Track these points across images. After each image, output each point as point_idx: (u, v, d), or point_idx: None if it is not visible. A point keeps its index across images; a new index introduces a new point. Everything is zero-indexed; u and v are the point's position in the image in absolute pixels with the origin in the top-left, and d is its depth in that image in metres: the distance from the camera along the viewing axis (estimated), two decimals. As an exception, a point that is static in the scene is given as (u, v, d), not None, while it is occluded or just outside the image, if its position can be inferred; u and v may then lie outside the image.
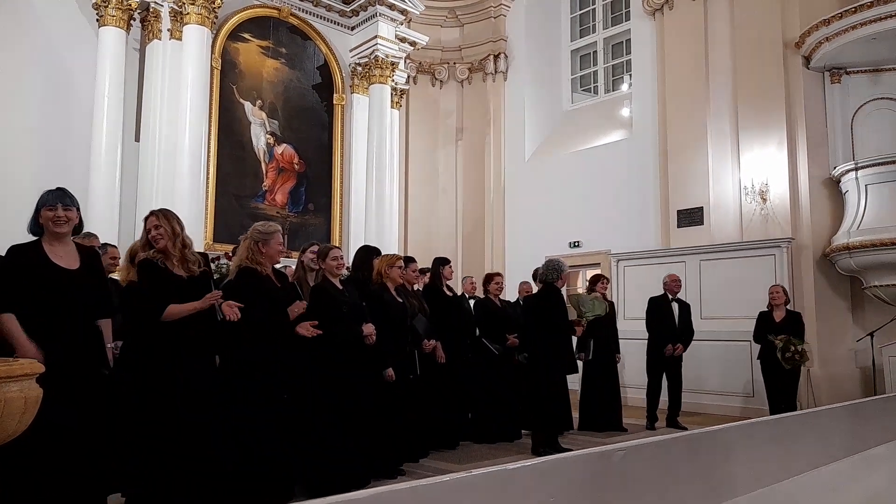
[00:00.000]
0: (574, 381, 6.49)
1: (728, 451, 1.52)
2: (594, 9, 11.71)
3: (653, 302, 6.94)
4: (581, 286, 10.46)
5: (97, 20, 7.73)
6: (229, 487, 3.47)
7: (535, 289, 6.20)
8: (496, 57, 11.91)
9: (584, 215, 10.45)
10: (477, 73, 12.10)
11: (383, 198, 9.52)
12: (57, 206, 3.01)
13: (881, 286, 7.46)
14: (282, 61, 9.14)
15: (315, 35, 9.52)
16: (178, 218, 3.49)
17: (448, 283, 5.93)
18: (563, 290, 9.19)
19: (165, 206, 3.75)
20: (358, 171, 9.68)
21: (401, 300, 4.80)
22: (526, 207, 11.35)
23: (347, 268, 5.20)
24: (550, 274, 5.37)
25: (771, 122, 8.29)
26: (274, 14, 9.06)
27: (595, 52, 11.67)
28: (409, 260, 5.49)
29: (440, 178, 12.13)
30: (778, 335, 6.24)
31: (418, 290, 5.71)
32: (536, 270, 6.02)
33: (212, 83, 8.20)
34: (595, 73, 11.67)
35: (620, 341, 7.01)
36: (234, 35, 8.69)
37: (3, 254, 3.09)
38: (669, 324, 6.75)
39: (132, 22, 7.94)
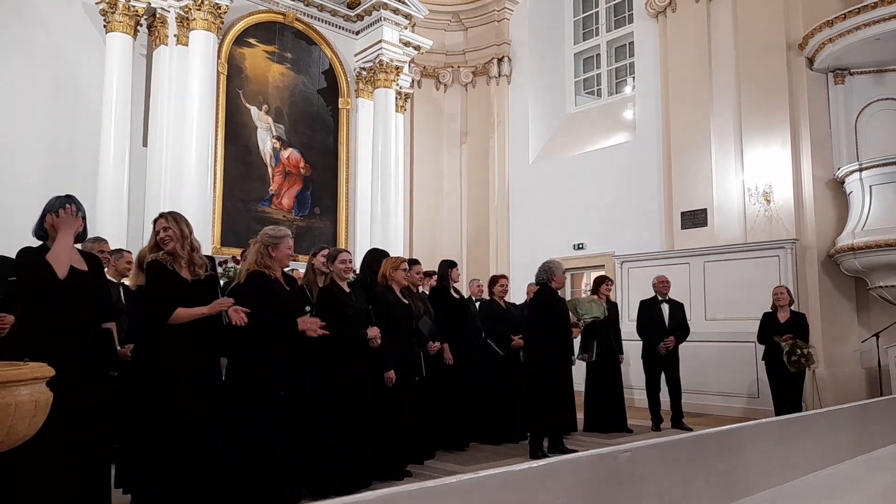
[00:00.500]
0: (578, 383, 6.51)
1: (734, 452, 1.54)
2: (597, 12, 11.73)
3: (642, 305, 6.98)
4: (585, 288, 10.47)
5: (104, 26, 7.79)
6: (236, 489, 3.50)
7: None
8: (500, 60, 11.95)
9: (587, 217, 10.46)
10: (481, 76, 12.14)
11: (388, 201, 9.56)
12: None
13: (886, 287, 7.46)
14: (287, 66, 9.19)
15: (320, 40, 9.57)
16: (186, 220, 3.53)
17: (455, 285, 5.95)
18: (567, 293, 9.19)
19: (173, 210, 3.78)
20: (363, 174, 9.72)
21: (406, 302, 4.83)
22: (530, 210, 11.37)
23: (354, 271, 5.24)
24: (542, 275, 5.41)
25: (775, 123, 8.30)
26: (279, 19, 9.12)
27: (598, 54, 11.69)
28: (413, 262, 5.52)
29: (445, 182, 12.16)
30: (783, 336, 6.24)
31: (424, 292, 5.74)
32: None
33: (218, 88, 8.25)
34: (598, 75, 11.69)
35: (625, 343, 7.03)
36: (240, 40, 8.74)
37: (13, 257, 3.13)
38: (659, 325, 6.77)
39: (139, 28, 8.01)
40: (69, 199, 3.13)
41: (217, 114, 8.21)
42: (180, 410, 3.28)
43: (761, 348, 6.64)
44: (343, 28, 9.89)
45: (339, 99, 9.72)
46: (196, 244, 3.52)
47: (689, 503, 1.38)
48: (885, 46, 7.66)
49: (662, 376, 6.77)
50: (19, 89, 7.42)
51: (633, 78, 10.78)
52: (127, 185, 7.58)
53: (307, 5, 9.38)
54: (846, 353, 7.89)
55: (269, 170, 8.90)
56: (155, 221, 3.50)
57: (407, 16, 9.91)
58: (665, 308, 6.86)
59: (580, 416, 6.62)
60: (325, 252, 4.57)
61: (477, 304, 6.32)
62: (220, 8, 7.95)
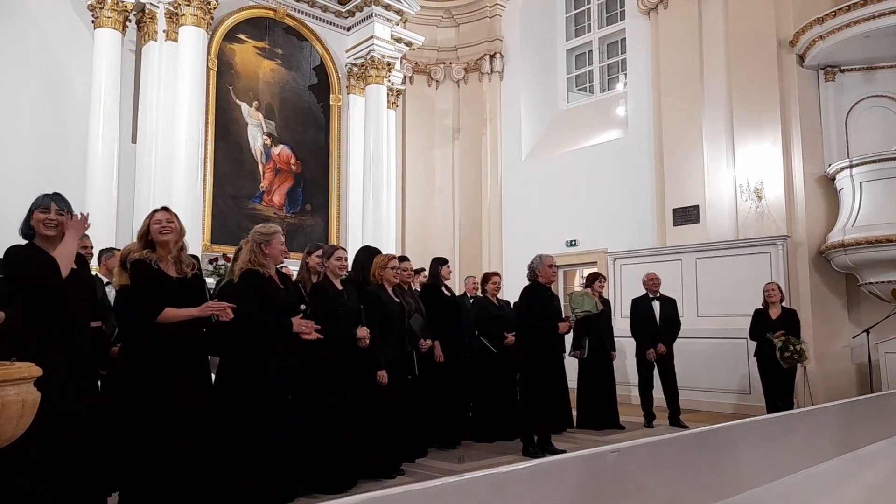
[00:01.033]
0: (571, 380, 6.52)
1: (722, 451, 1.54)
2: (589, 8, 11.73)
3: (634, 303, 7.00)
4: (578, 285, 10.49)
5: (92, 22, 7.72)
6: (228, 488, 3.49)
7: None
8: (492, 57, 11.93)
9: (580, 214, 10.47)
10: (473, 72, 12.11)
11: (380, 198, 9.53)
12: (50, 208, 3.03)
13: (876, 283, 7.50)
14: (278, 62, 9.14)
15: (311, 36, 9.52)
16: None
17: (446, 282, 5.95)
18: (560, 289, 9.19)
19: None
20: (355, 171, 9.68)
21: (398, 300, 4.83)
22: (522, 207, 11.37)
23: (347, 269, 5.22)
24: (529, 272, 5.43)
25: (766, 120, 8.32)
26: (270, 15, 9.06)
27: (590, 51, 11.69)
28: (401, 259, 5.51)
29: (437, 178, 12.14)
30: (774, 332, 6.27)
31: (415, 290, 5.74)
32: None
33: (208, 84, 8.20)
34: (590, 72, 11.69)
35: (617, 339, 7.05)
36: (230, 36, 8.69)
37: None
38: (650, 323, 6.79)
39: (128, 24, 7.94)
40: (56, 196, 3.11)
41: (207, 110, 8.16)
42: (169, 410, 3.26)
43: (753, 345, 6.67)
44: (334, 24, 9.84)
45: (331, 95, 9.68)
46: (184, 244, 3.50)
47: (678, 502, 1.38)
48: (875, 44, 7.69)
49: (656, 373, 6.80)
50: (7, 86, 7.35)
51: (625, 75, 10.79)
52: (116, 182, 7.52)
53: (298, 1, 9.34)
54: (837, 349, 7.94)
55: (260, 167, 8.86)
56: (154, 213, 3.45)
57: (398, 12, 9.87)
58: (656, 305, 6.87)
59: (573, 412, 6.63)
60: (321, 251, 4.56)
61: (471, 302, 6.31)
62: (209, 3, 7.90)
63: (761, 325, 6.46)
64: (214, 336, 3.62)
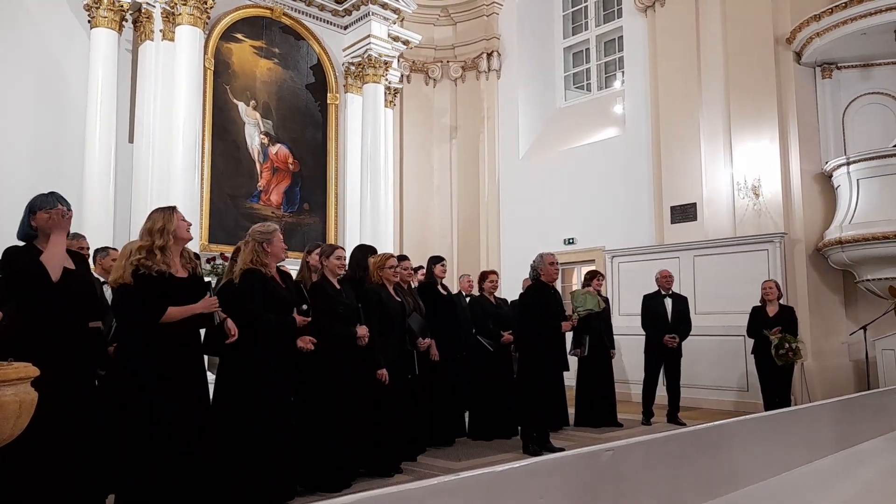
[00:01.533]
0: (569, 377, 6.52)
1: (717, 449, 1.54)
2: (586, 6, 11.73)
3: (646, 299, 6.99)
4: (577, 283, 10.50)
5: (89, 21, 7.70)
6: (227, 488, 3.49)
7: None
8: (489, 55, 11.92)
9: (578, 212, 10.48)
10: (470, 71, 12.11)
11: (378, 196, 9.52)
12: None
13: (873, 280, 7.51)
14: (275, 61, 9.13)
15: (308, 35, 9.51)
16: None
17: (442, 280, 5.95)
18: (559, 288, 9.22)
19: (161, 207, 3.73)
20: (352, 170, 9.68)
21: (399, 299, 4.83)
22: (520, 205, 11.38)
23: (345, 267, 5.22)
24: (531, 271, 5.44)
25: (763, 117, 8.33)
26: (266, 14, 9.04)
27: (587, 49, 11.69)
28: (401, 258, 5.51)
29: (434, 177, 12.14)
30: (772, 330, 6.27)
31: (414, 288, 5.73)
32: None
33: (205, 84, 8.18)
34: (588, 70, 11.69)
35: (616, 337, 7.05)
36: (227, 35, 8.67)
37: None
38: (663, 320, 6.79)
39: (124, 23, 7.92)
40: (55, 196, 3.10)
41: (204, 109, 8.14)
42: (167, 410, 3.26)
43: (751, 342, 6.68)
44: (331, 23, 9.83)
45: (328, 94, 9.67)
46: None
47: (673, 500, 1.38)
48: (872, 41, 7.69)
49: (662, 372, 6.80)
50: (4, 85, 7.33)
51: (623, 72, 10.79)
52: (113, 181, 7.51)
53: (295, 0, 9.32)
54: (834, 345, 7.95)
55: (258, 166, 8.85)
56: (174, 211, 3.43)
57: (395, 10, 9.85)
58: (668, 302, 6.88)
59: (571, 410, 6.64)
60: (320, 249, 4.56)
61: (467, 300, 6.31)
62: (206, 3, 7.88)
63: (759, 322, 6.47)
64: (217, 336, 3.62)
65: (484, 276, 6.27)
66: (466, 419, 6.03)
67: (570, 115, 11.58)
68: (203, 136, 8.11)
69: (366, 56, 9.60)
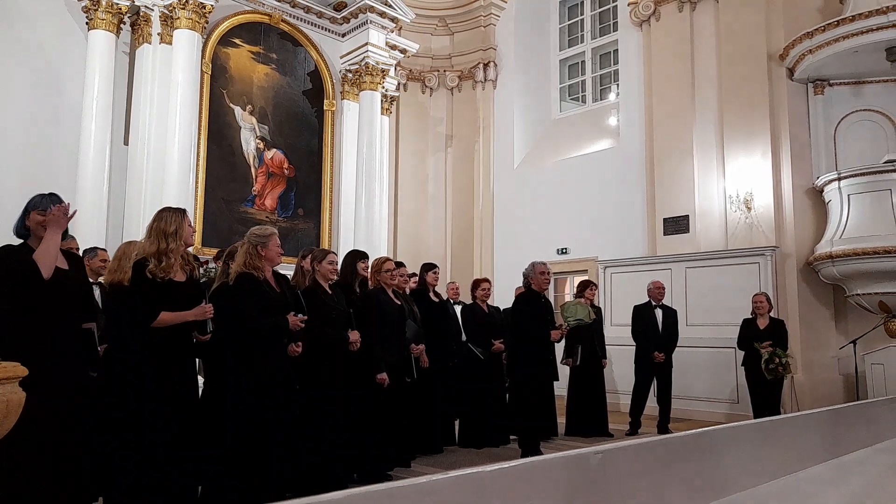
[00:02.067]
0: (561, 387, 6.53)
1: (706, 456, 1.55)
2: (582, 19, 11.82)
3: (636, 310, 7.01)
4: (570, 292, 10.52)
5: (87, 23, 7.72)
6: (216, 490, 3.47)
7: None
8: (486, 65, 11.99)
9: (571, 222, 10.52)
10: (467, 80, 12.17)
11: (373, 203, 9.54)
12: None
13: (864, 294, 7.56)
14: (272, 67, 9.16)
15: (306, 41, 9.55)
16: None
17: (435, 288, 5.95)
18: (551, 297, 9.20)
19: (154, 210, 3.73)
20: (348, 176, 9.69)
21: (399, 303, 4.84)
22: (514, 214, 11.41)
23: (337, 272, 5.22)
24: (524, 279, 5.46)
25: (755, 132, 8.40)
26: (265, 20, 9.08)
27: (583, 61, 11.77)
28: (398, 265, 5.52)
29: (430, 185, 12.17)
30: (763, 343, 6.30)
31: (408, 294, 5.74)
32: None
33: (202, 88, 8.20)
34: (583, 82, 11.77)
35: (608, 347, 7.07)
36: (225, 40, 8.70)
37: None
38: (653, 331, 6.81)
39: (122, 26, 7.94)
40: (53, 197, 3.10)
41: (200, 113, 8.16)
42: (158, 412, 3.25)
43: (741, 354, 6.70)
44: (329, 30, 9.87)
45: (325, 101, 9.70)
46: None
47: (661, 505, 1.39)
48: (863, 59, 7.78)
49: (654, 382, 6.81)
50: (3, 85, 7.32)
51: (618, 85, 10.86)
52: (107, 183, 7.51)
53: (293, 6, 9.36)
54: (824, 359, 7.98)
55: (253, 170, 8.85)
56: (184, 215, 3.45)
57: (393, 19, 9.92)
58: (659, 313, 6.90)
59: (562, 420, 6.64)
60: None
61: (458, 308, 6.32)
62: (204, 7, 7.91)
63: (749, 334, 6.50)
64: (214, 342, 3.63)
65: (476, 284, 6.28)
66: (457, 427, 6.02)
67: (564, 127, 11.64)
68: (198, 139, 8.12)
69: (363, 64, 9.64)
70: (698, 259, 8.55)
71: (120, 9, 7.76)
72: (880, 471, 2.05)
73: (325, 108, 9.70)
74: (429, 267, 5.96)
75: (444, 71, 12.25)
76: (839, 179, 7.66)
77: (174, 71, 7.72)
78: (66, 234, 3.70)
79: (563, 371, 6.68)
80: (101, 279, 4.71)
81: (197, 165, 8.08)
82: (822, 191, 8.01)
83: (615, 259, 9.44)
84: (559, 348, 6.43)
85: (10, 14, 7.48)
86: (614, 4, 11.10)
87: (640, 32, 9.97)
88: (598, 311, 6.99)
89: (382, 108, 10.11)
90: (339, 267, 4.60)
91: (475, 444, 5.78)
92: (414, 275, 6.30)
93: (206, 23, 8.08)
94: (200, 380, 3.82)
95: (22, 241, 3.07)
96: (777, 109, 8.32)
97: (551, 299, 10.35)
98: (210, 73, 8.45)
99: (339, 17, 9.81)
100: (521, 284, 5.84)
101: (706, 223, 8.82)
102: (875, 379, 7.20)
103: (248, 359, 3.63)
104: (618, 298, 9.02)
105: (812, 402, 7.45)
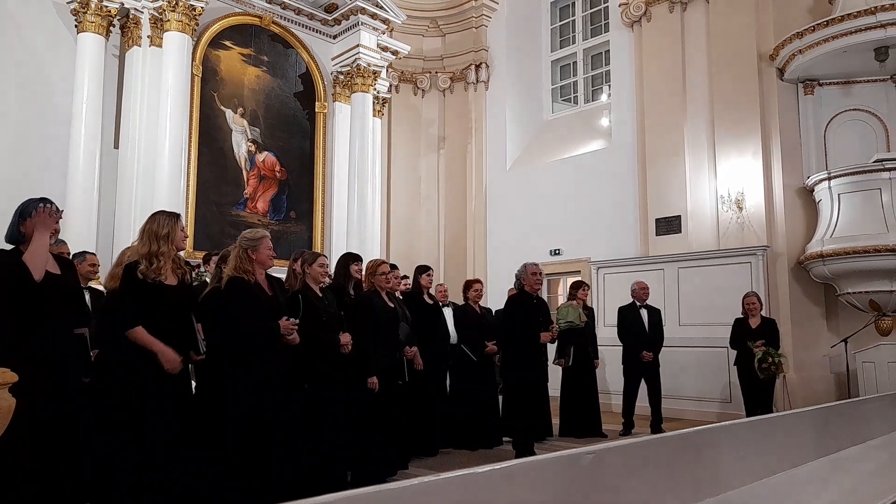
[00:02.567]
0: (554, 388, 6.53)
1: (697, 454, 1.55)
2: (574, 20, 11.85)
3: (622, 311, 7.03)
4: (563, 293, 10.53)
5: (76, 26, 7.67)
6: (209, 495, 3.45)
7: None
8: (477, 66, 12.00)
9: (564, 223, 10.53)
10: (458, 82, 12.17)
11: (365, 206, 9.53)
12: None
13: (854, 293, 7.60)
14: (263, 69, 9.13)
15: (297, 43, 9.52)
16: None
17: (429, 290, 5.94)
18: (545, 297, 9.20)
19: (145, 214, 3.72)
20: (340, 179, 9.68)
21: (392, 306, 4.83)
22: (507, 215, 11.42)
23: (330, 276, 5.21)
24: (515, 280, 5.46)
25: (746, 132, 8.44)
26: (255, 22, 9.06)
27: (575, 62, 11.80)
28: (391, 267, 5.52)
29: (422, 187, 12.16)
30: (755, 341, 6.33)
31: (398, 297, 5.73)
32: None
33: (192, 90, 8.17)
34: (575, 83, 11.80)
35: (600, 348, 7.08)
36: (216, 42, 8.67)
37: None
38: (640, 331, 6.83)
39: (112, 28, 7.90)
40: (45, 201, 3.09)
41: (191, 116, 8.13)
42: (150, 417, 3.23)
43: (734, 353, 6.72)
44: (320, 32, 9.85)
45: (316, 103, 9.68)
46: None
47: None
48: (852, 59, 7.83)
49: (642, 382, 6.82)
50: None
51: (609, 86, 10.90)
52: (97, 187, 7.46)
53: (284, 8, 9.34)
54: (816, 358, 8.02)
55: (244, 173, 8.82)
56: (177, 219, 3.44)
57: (385, 21, 9.91)
58: (644, 313, 6.92)
59: (556, 420, 6.65)
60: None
61: (447, 310, 6.30)
62: (195, 10, 7.88)
63: (742, 334, 6.53)
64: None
65: (468, 286, 6.27)
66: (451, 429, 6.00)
67: (556, 128, 11.66)
68: (189, 142, 8.08)
69: (354, 65, 9.63)
70: (690, 259, 8.58)
71: (109, 11, 7.71)
72: (870, 467, 2.05)
73: (316, 110, 9.68)
74: (423, 269, 5.95)
75: (436, 72, 12.25)
76: (829, 179, 7.70)
77: (164, 74, 7.69)
78: (57, 239, 3.69)
79: (556, 372, 6.69)
80: (91, 284, 4.70)
81: (188, 169, 8.05)
82: (813, 190, 8.05)
83: (608, 260, 9.46)
84: (551, 349, 6.45)
85: (2, 17, 7.43)
86: (605, 5, 11.13)
87: (632, 33, 10.00)
88: (590, 311, 7.00)
89: (374, 109, 10.10)
90: (330, 269, 4.59)
91: (469, 446, 5.77)
92: (406, 277, 6.30)
93: (197, 25, 8.05)
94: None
95: (13, 246, 3.05)
96: (767, 109, 8.36)
97: (545, 300, 10.37)
98: (200, 75, 8.42)
99: (329, 18, 9.79)
100: (513, 286, 5.85)
101: (698, 223, 8.85)
102: (866, 377, 7.25)
103: (242, 362, 3.62)
104: (611, 299, 9.03)
105: (804, 400, 7.48)
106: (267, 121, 9.09)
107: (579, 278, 9.42)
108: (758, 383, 6.35)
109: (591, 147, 10.67)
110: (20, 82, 7.51)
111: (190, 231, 8.11)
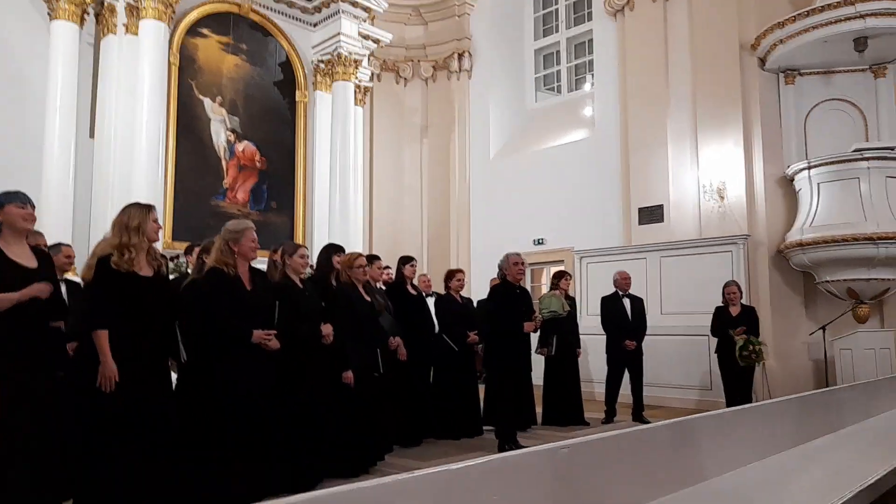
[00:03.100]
0: (537, 377, 6.56)
1: (673, 446, 1.55)
2: (557, 9, 11.82)
3: (604, 300, 7.07)
4: (546, 282, 10.56)
5: (48, 14, 7.50)
6: (191, 490, 3.43)
7: None
8: (460, 55, 11.94)
9: (548, 213, 10.55)
10: (441, 71, 12.11)
11: (347, 196, 9.46)
12: (27, 204, 3.06)
13: (833, 281, 7.70)
14: (242, 58, 9.01)
15: (277, 31, 9.40)
16: None
17: (412, 280, 5.93)
18: (528, 288, 9.22)
19: (122, 204, 3.65)
20: (322, 168, 9.60)
21: (369, 299, 4.80)
22: (491, 205, 11.41)
23: (311, 266, 5.17)
24: (498, 270, 5.47)
25: (728, 121, 8.48)
26: (234, 10, 8.92)
27: (558, 51, 11.78)
28: (373, 258, 5.49)
29: (405, 176, 12.11)
30: (736, 329, 6.39)
31: (381, 287, 5.71)
32: None
33: (170, 79, 8.04)
34: (558, 72, 11.78)
35: (583, 337, 7.12)
36: (193, 30, 8.53)
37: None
38: (623, 320, 6.87)
39: (86, 16, 7.73)
40: (18, 195, 3.06)
41: (168, 105, 8.00)
42: (129, 411, 3.20)
43: (714, 341, 6.79)
44: (300, 20, 9.73)
45: (297, 92, 9.58)
46: None
47: (628, 497, 1.39)
48: (833, 48, 7.88)
49: (626, 371, 6.87)
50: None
51: (593, 75, 10.89)
52: (73, 177, 7.33)
53: (263, -4, 9.22)
54: (795, 345, 8.13)
55: (224, 163, 8.72)
56: (150, 210, 3.40)
57: (366, 9, 9.81)
58: (626, 303, 6.95)
59: (539, 409, 6.68)
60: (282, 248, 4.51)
61: (430, 300, 6.29)
62: (171, -4, 7.74)
63: (722, 322, 6.59)
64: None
65: (451, 275, 6.25)
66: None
67: (540, 117, 11.65)
68: (167, 132, 7.96)
69: (335, 54, 9.53)
70: (672, 248, 8.63)
71: (83, -2, 7.56)
72: (843, 456, 2.07)
73: (297, 99, 9.58)
74: (406, 260, 5.93)
75: (419, 61, 12.17)
76: (809, 168, 7.77)
77: (141, 62, 7.55)
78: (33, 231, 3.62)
79: (539, 361, 6.71)
80: (67, 275, 4.62)
81: (166, 158, 7.93)
82: (793, 179, 8.12)
83: (591, 249, 9.49)
84: (535, 339, 6.47)
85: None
86: (589, -6, 11.11)
87: (615, 22, 9.99)
88: (572, 301, 7.02)
89: (356, 98, 10.02)
90: (311, 261, 4.55)
91: (452, 435, 5.78)
92: (388, 267, 6.27)
93: (174, 13, 7.91)
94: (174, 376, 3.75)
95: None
96: (749, 99, 8.40)
97: (528, 289, 10.39)
98: (178, 64, 8.28)
99: (310, 6, 9.67)
100: (496, 276, 5.85)
101: (680, 212, 8.90)
102: (843, 364, 7.36)
103: (219, 358, 3.58)
104: (593, 288, 9.07)
105: (783, 387, 7.57)
106: (247, 110, 8.98)
107: (562, 268, 9.45)
108: (738, 371, 6.42)
109: (575, 136, 10.67)
110: (-9, 71, 7.34)
111: (169, 221, 8.02)
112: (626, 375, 6.90)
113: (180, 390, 3.73)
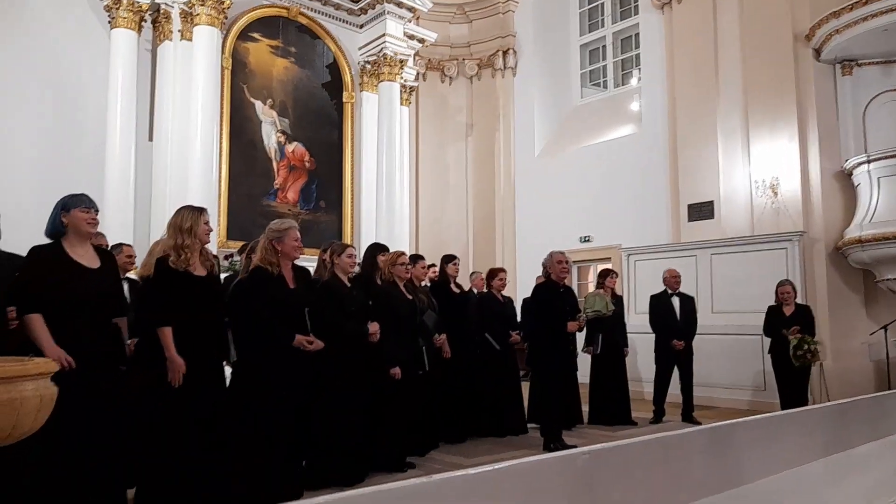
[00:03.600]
0: (583, 376, 6.52)
1: (701, 452, 1.55)
2: (603, 3, 11.65)
3: (653, 299, 6.96)
4: (592, 280, 10.46)
5: (109, 22, 7.85)
6: (239, 484, 3.55)
7: None
8: (505, 53, 11.91)
9: (594, 210, 10.44)
10: (486, 68, 12.10)
11: (393, 194, 9.57)
12: (91, 208, 3.16)
13: (894, 279, 7.39)
14: (291, 60, 9.21)
15: (324, 34, 9.57)
16: None
17: (455, 279, 5.97)
18: (574, 285, 9.14)
19: (178, 205, 3.80)
20: (368, 168, 9.73)
21: (410, 297, 4.87)
22: (536, 203, 11.36)
23: (358, 264, 5.27)
24: (542, 269, 5.45)
25: (781, 115, 8.22)
26: (283, 13, 9.13)
27: (604, 46, 11.62)
28: (417, 258, 5.55)
29: (450, 175, 12.16)
30: (791, 329, 6.20)
31: (426, 285, 5.77)
32: None
33: (222, 83, 8.28)
34: (604, 67, 11.62)
35: (630, 335, 7.04)
36: (244, 35, 8.77)
37: (24, 254, 3.18)
38: (671, 319, 6.76)
39: (143, 23, 8.05)
40: (83, 199, 3.20)
41: (221, 108, 8.24)
42: (185, 407, 3.34)
43: (768, 341, 6.61)
44: (346, 22, 9.88)
45: (344, 93, 9.73)
46: None
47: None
48: (893, 37, 7.55)
49: (675, 371, 6.76)
50: (24, 87, 7.48)
51: (639, 70, 10.71)
52: (133, 180, 7.65)
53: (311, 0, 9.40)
54: (854, 346, 7.83)
55: (274, 164, 8.94)
56: (202, 212, 3.55)
57: (411, 9, 9.88)
58: (676, 301, 6.84)
59: (585, 408, 6.64)
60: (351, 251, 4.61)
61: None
62: (223, 3, 7.97)
63: (776, 321, 6.41)
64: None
65: (493, 274, 6.27)
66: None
67: (586, 113, 11.52)
68: (220, 134, 8.22)
69: (381, 54, 9.65)
70: (724, 245, 8.43)
71: (141, 7, 7.87)
72: (888, 464, 2.02)
73: (344, 100, 9.74)
74: (449, 258, 5.98)
75: (463, 59, 12.19)
76: (868, 162, 7.48)
77: (195, 67, 7.81)
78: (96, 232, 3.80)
79: (585, 360, 6.67)
80: (128, 275, 4.84)
81: (219, 160, 8.18)
82: (851, 174, 7.82)
83: (638, 246, 9.35)
84: (580, 337, 6.43)
85: (30, 17, 7.61)
86: (635, -13, 10.92)
87: (662, 15, 9.80)
88: (619, 300, 6.94)
89: (402, 98, 10.11)
90: (357, 260, 4.65)
91: (497, 433, 5.81)
92: (433, 265, 6.33)
93: (225, 18, 8.15)
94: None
95: (52, 238, 3.16)
96: (803, 92, 8.12)
97: (574, 288, 10.31)
98: (230, 68, 8.53)
99: (356, 8, 9.81)
100: (541, 274, 5.84)
101: (731, 209, 8.68)
102: (906, 365, 7.06)
103: (259, 353, 3.69)
104: (641, 286, 8.93)
105: (841, 389, 7.32)
106: (296, 111, 9.18)
107: (609, 266, 9.35)
108: (793, 371, 6.23)
109: (621, 132, 10.52)
110: (54, 79, 7.70)
111: (223, 222, 8.27)
112: (676, 375, 6.80)
113: (232, 388, 3.87)
